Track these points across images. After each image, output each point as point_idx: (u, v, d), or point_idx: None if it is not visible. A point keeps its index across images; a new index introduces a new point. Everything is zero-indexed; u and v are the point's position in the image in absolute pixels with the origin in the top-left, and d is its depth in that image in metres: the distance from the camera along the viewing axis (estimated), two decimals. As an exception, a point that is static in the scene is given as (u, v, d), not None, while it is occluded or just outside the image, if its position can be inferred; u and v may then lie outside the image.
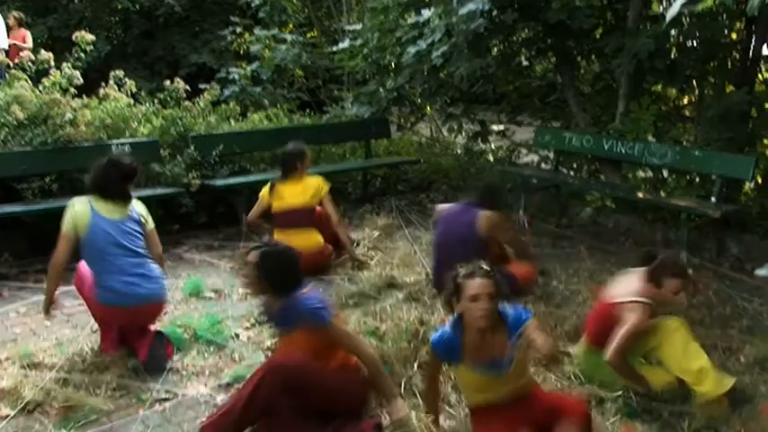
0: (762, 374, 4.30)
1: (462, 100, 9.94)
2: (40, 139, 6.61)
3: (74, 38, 7.64)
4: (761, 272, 6.23)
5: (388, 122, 9.61)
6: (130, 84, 7.81)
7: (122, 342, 4.51)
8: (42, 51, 7.49)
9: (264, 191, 6.38)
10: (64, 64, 7.26)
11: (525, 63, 9.88)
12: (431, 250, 6.01)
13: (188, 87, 8.12)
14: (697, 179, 7.52)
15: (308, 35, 13.00)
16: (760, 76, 7.77)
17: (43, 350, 4.57)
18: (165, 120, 7.71)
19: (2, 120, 6.63)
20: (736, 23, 7.64)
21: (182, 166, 7.23)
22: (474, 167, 9.46)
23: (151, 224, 4.66)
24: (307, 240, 6.01)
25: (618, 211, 7.95)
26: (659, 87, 8.45)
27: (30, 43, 11.19)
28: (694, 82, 8.23)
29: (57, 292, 4.49)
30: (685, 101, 8.90)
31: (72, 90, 7.06)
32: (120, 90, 7.68)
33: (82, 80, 7.20)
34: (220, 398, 4.08)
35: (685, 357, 3.91)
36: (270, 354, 4.45)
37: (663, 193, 7.42)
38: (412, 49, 8.32)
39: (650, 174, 8.12)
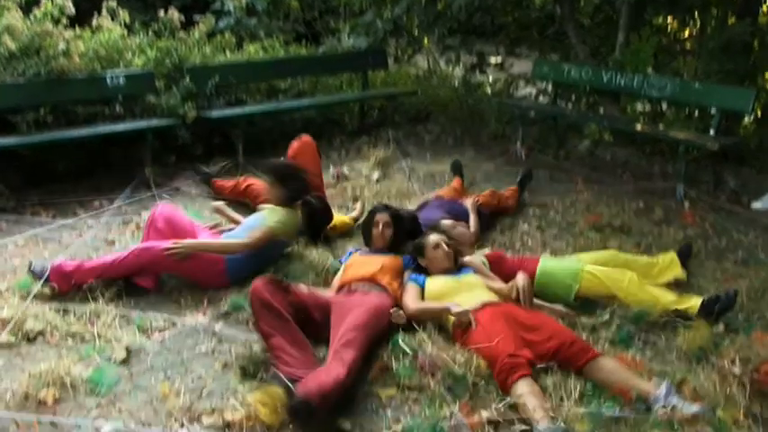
0: (756, 305, 4.36)
1: (460, 31, 9.82)
2: (33, 71, 6.51)
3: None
4: (757, 205, 6.25)
5: (385, 53, 9.49)
6: (124, 14, 7.67)
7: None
8: (32, -20, 7.33)
9: None
10: (55, -7, 7.12)
11: (524, -6, 9.74)
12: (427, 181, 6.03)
13: (182, 18, 7.99)
14: (696, 112, 7.49)
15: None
16: (764, 7, 7.67)
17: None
18: (159, 51, 7.59)
19: (-7, 50, 6.53)
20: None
21: (177, 98, 7.15)
22: (472, 99, 9.39)
23: None
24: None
25: (616, 144, 7.94)
26: (660, 19, 8.35)
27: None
28: (696, 13, 8.13)
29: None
30: (686, 34, 8.80)
31: (64, 20, 6.93)
32: (113, 21, 7.55)
33: (74, 10, 7.07)
34: (218, 326, 4.13)
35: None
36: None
37: (661, 126, 7.40)
38: (409, -21, 8.19)
39: (649, 107, 8.08)
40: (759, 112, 7.41)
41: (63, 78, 6.60)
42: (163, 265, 4.53)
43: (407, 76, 10.48)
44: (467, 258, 4.54)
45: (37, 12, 6.90)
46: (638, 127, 7.16)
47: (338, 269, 4.65)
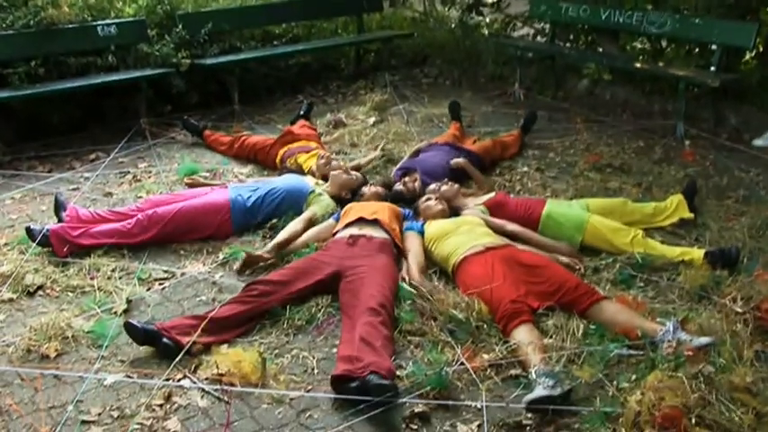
0: (758, 242, 4.35)
1: (456, -29, 9.64)
2: (21, 22, 6.41)
3: None
4: (758, 142, 6.20)
5: (380, -5, 9.35)
6: (111, -39, 7.53)
7: None
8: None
9: None
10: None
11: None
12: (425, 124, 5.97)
13: (172, -37, 7.83)
14: (696, 49, 7.38)
15: None
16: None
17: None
18: (150, -2, 7.48)
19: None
20: None
21: (170, 46, 7.06)
22: (469, 41, 9.26)
23: None
24: None
25: (615, 83, 7.84)
26: (659, -47, 8.17)
27: None
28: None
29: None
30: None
31: (50, -31, 6.80)
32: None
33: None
34: (219, 276, 4.13)
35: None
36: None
37: (661, 64, 7.30)
38: None
39: (648, 44, 7.97)
40: (761, 48, 7.28)
41: (53, 29, 6.50)
42: (171, 224, 4.51)
43: (403, 18, 10.33)
44: (466, 211, 4.55)
45: (23, -39, 6.77)
46: (638, 65, 7.07)
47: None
